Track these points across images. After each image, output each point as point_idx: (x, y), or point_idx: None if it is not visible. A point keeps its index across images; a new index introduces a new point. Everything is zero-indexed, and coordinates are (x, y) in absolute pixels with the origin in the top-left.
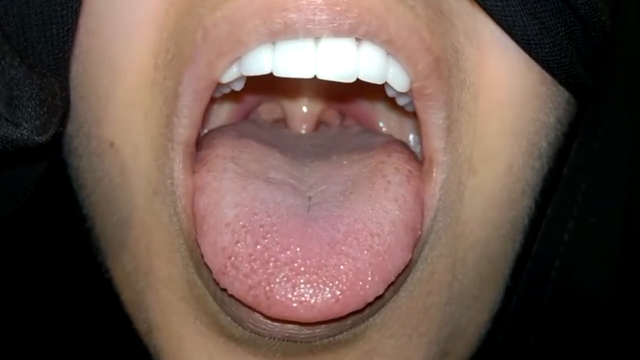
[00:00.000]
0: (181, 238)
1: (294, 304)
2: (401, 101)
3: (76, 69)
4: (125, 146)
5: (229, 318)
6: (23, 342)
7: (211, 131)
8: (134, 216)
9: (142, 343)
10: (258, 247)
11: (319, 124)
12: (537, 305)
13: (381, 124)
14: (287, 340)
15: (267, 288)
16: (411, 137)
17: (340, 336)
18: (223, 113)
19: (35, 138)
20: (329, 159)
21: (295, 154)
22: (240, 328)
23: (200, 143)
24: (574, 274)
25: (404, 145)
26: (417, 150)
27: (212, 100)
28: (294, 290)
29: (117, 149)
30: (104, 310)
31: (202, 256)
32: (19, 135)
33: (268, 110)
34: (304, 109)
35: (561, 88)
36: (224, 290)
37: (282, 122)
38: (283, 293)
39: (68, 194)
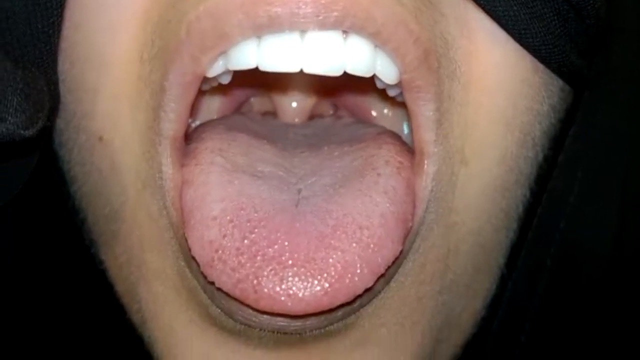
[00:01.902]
0: (171, 231)
1: (282, 297)
2: (392, 92)
3: (64, 62)
4: (114, 140)
5: (220, 310)
6: (18, 333)
7: (202, 124)
8: (125, 209)
9: (136, 333)
10: (245, 241)
11: (312, 115)
12: (533, 292)
13: (374, 114)
14: (278, 332)
15: (255, 282)
16: (405, 125)
17: (332, 327)
18: (214, 105)
19: (22, 132)
20: (320, 150)
21: (285, 144)
22: (231, 320)
23: (191, 136)
24: (570, 262)
25: (396, 136)
26: (410, 139)
27: (202, 93)
28: (282, 283)
29: (106, 142)
30: (98, 301)
31: (190, 249)
32: (4, 129)
33: (260, 102)
34: (295, 102)
35: (555, 76)
36: (212, 283)
37: (274, 114)
38: (271, 286)
39: (60, 186)
